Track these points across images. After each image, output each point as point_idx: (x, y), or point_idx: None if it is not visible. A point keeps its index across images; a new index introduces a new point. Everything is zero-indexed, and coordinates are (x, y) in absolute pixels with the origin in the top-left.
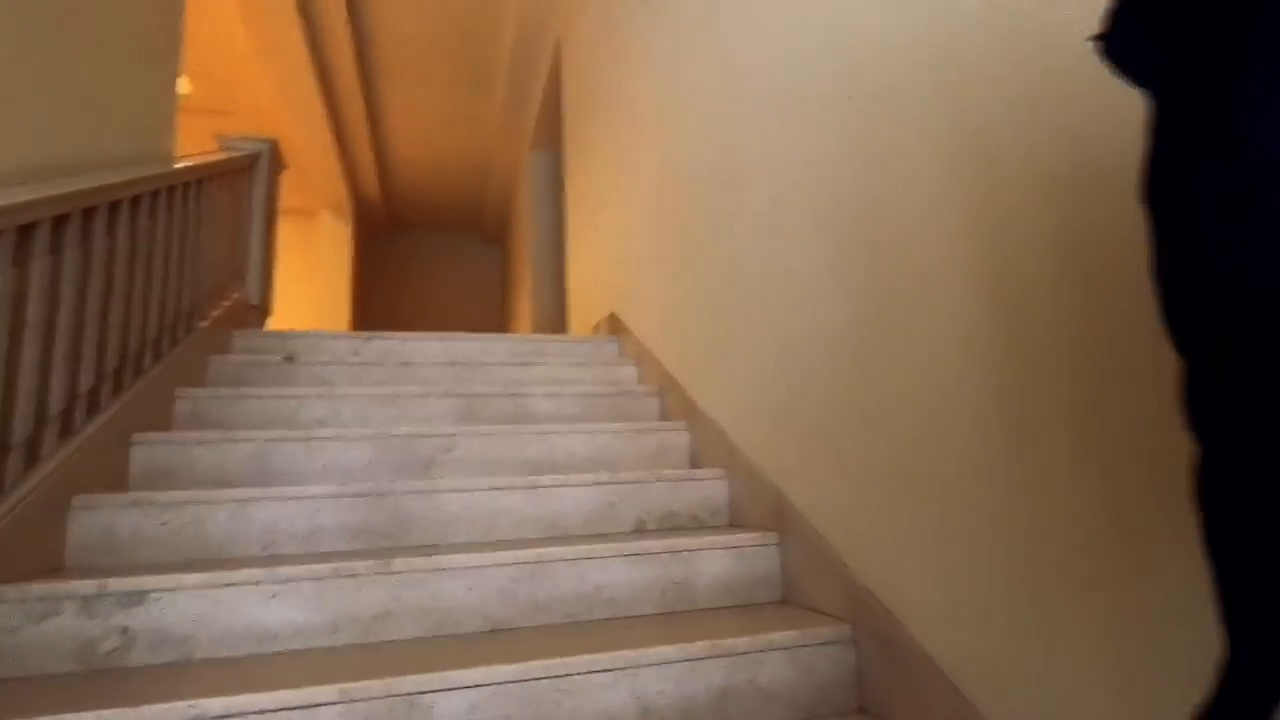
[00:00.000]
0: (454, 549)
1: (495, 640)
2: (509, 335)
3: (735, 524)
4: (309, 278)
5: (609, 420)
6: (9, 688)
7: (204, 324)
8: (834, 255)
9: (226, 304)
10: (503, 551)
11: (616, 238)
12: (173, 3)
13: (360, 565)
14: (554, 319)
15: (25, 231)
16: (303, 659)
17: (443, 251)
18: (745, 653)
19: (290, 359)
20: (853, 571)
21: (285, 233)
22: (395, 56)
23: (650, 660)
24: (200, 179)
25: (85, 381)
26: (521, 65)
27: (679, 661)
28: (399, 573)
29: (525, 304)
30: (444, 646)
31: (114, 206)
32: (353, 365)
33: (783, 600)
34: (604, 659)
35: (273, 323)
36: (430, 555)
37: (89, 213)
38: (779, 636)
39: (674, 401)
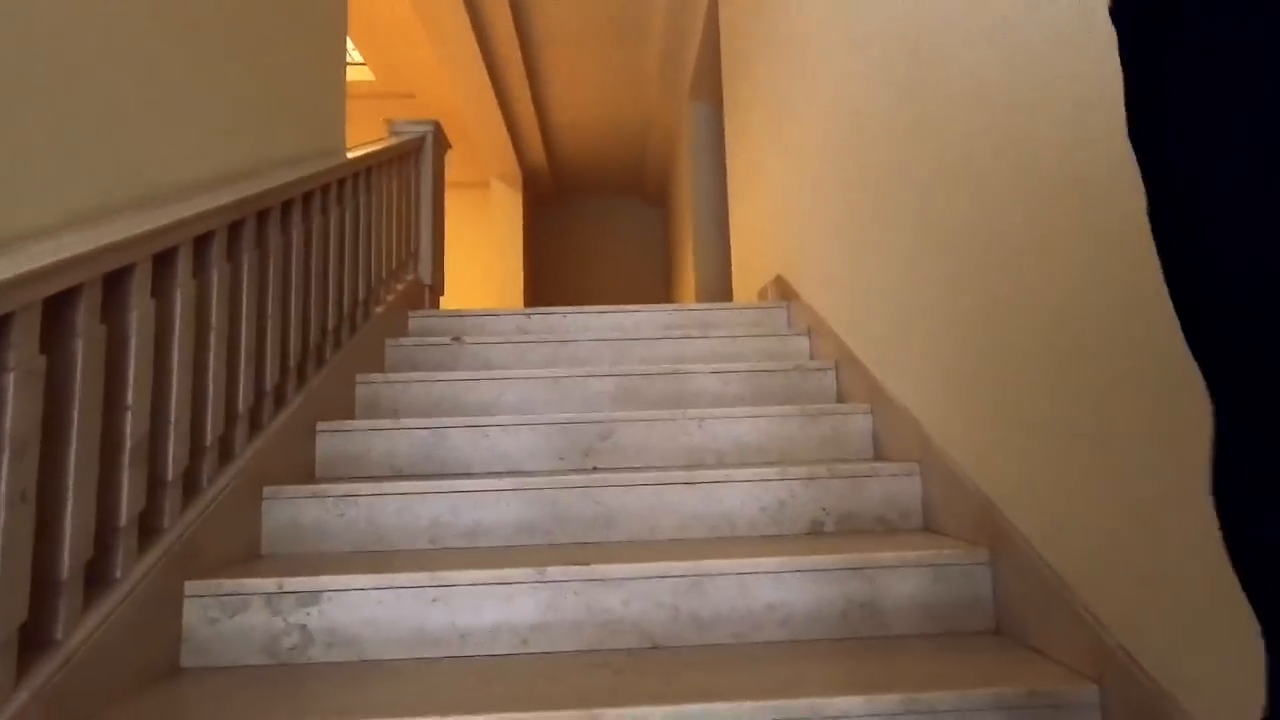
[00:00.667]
0: (613, 552)
1: (653, 662)
2: (671, 306)
3: (931, 529)
4: (485, 246)
5: (779, 401)
6: (217, 676)
7: (379, 309)
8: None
9: (401, 287)
10: (662, 562)
11: (781, 192)
12: (335, 1)
13: (515, 574)
14: (719, 284)
15: (202, 242)
16: (465, 668)
17: (606, 216)
18: (952, 710)
19: (458, 339)
20: (1098, 616)
21: (460, 205)
22: (551, 20)
23: (830, 714)
24: (369, 168)
25: (271, 378)
26: (677, 12)
27: (866, 718)
28: (554, 581)
29: (689, 268)
30: (599, 667)
31: (286, 206)
32: (517, 344)
33: (996, 631)
34: (770, 710)
35: (446, 301)
36: (587, 565)
37: (263, 215)
38: (1003, 693)
39: (853, 378)
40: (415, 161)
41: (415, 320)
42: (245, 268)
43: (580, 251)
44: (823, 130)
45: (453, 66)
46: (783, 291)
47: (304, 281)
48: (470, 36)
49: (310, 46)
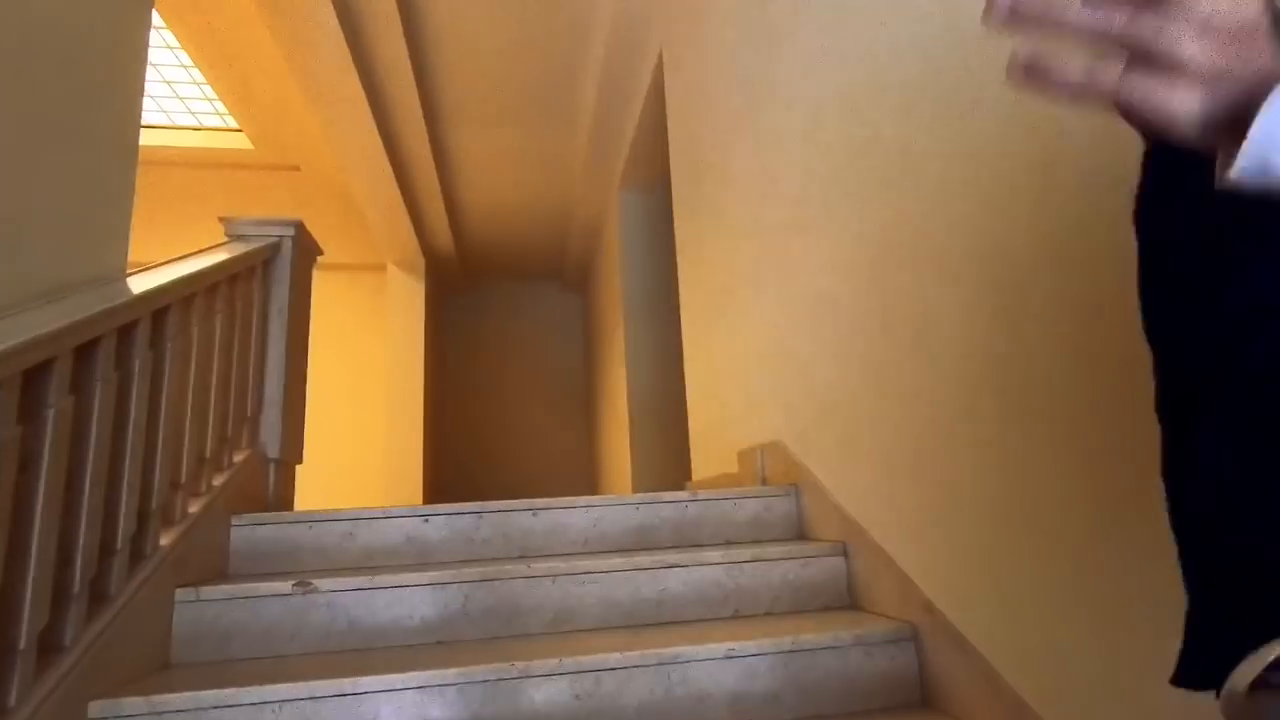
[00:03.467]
0: None
1: None
2: (635, 498)
3: None
4: (378, 340)
5: (840, 711)
6: None
7: (167, 539)
8: None
9: (221, 479)
10: None
11: (774, 330)
12: (122, 74)
13: None
14: (659, 402)
15: None
16: None
17: (520, 301)
18: None
19: (305, 585)
20: None
21: (350, 290)
22: (462, 96)
23: None
24: (172, 304)
25: None
26: (611, 94)
27: None
28: None
29: (617, 365)
30: None
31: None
32: (405, 589)
33: None
34: None
35: (319, 443)
36: None
37: None
38: None
39: (954, 660)
40: (263, 278)
41: (240, 533)
42: None
43: (492, 341)
44: (858, 250)
45: (341, 140)
46: (786, 469)
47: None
48: (363, 106)
49: (85, 128)
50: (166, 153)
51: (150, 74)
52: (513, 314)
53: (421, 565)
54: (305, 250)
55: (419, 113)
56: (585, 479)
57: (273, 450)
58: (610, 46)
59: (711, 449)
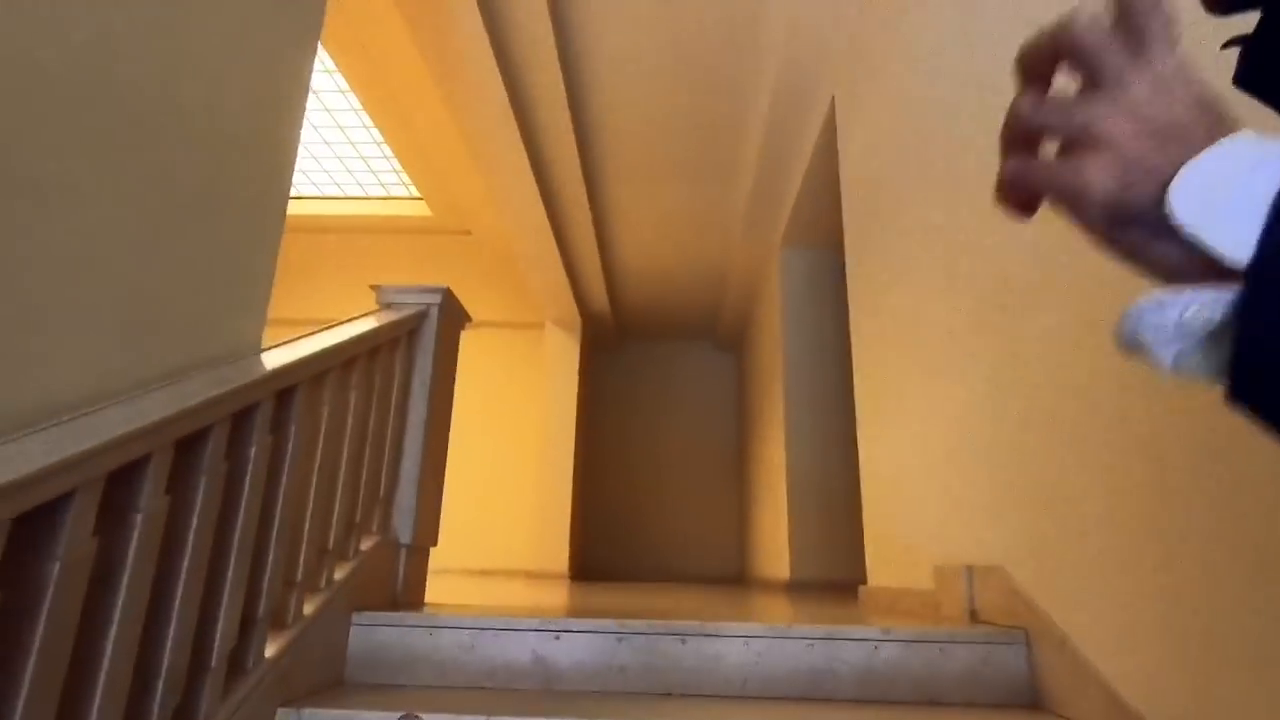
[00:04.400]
0: None
1: None
2: (795, 630)
3: None
4: (532, 396)
5: None
6: None
7: (278, 640)
8: None
9: (347, 566)
10: None
11: (1000, 409)
12: (270, 150)
13: None
14: (823, 482)
15: None
16: None
17: (673, 360)
18: None
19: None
20: None
21: (508, 348)
22: (621, 158)
23: None
24: (301, 382)
25: None
26: (775, 146)
27: None
28: None
29: (775, 441)
30: None
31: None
32: None
33: None
34: None
35: (458, 507)
36: None
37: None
38: None
39: None
40: (407, 347)
41: (359, 634)
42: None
43: (643, 401)
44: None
45: (505, 203)
46: (1008, 605)
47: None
48: (525, 170)
49: (227, 204)
50: (353, 220)
51: (342, 144)
52: (665, 373)
53: (547, 703)
54: (452, 316)
55: (579, 174)
56: (736, 556)
57: (405, 535)
58: (777, 95)
59: (894, 552)
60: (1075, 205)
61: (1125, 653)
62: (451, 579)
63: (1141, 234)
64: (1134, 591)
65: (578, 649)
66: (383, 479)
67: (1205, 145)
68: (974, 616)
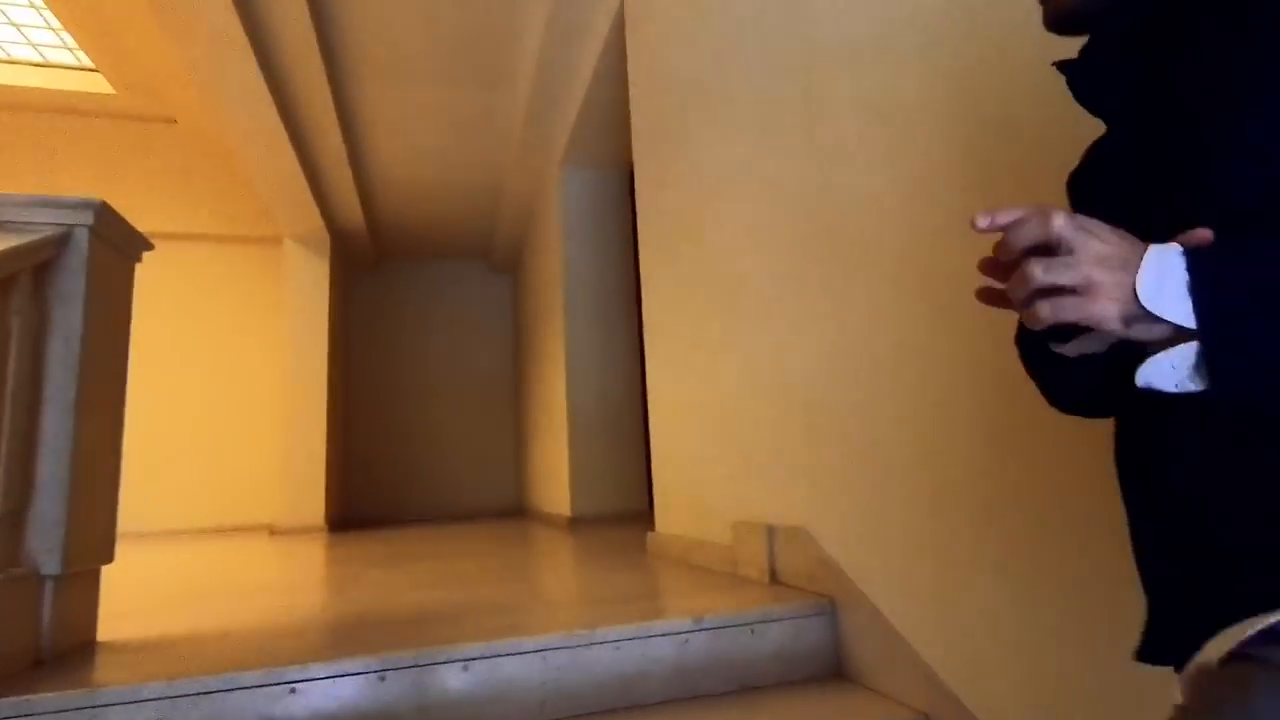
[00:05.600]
0: None
1: None
2: (598, 634)
3: None
4: (272, 324)
5: None
6: None
7: None
8: None
9: None
10: None
11: (811, 361)
12: None
13: None
14: (607, 414)
15: None
16: None
17: (441, 282)
18: None
19: None
20: None
21: (243, 262)
22: (372, 48)
23: None
24: None
25: None
26: (555, 50)
27: None
28: None
29: (555, 369)
30: None
31: None
32: None
33: None
34: None
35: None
36: None
37: None
38: None
39: None
40: (37, 289)
41: None
42: None
43: (409, 323)
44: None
45: (214, 88)
46: (811, 570)
47: None
48: (242, 46)
49: None
50: (6, 93)
51: None
52: (433, 295)
53: None
54: (117, 241)
55: (319, 62)
56: (514, 487)
57: (50, 562)
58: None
59: (684, 498)
60: (1101, 324)
61: (941, 630)
62: (167, 558)
63: (1141, 325)
64: (944, 561)
65: (328, 701)
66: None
67: (1138, 261)
68: (774, 577)
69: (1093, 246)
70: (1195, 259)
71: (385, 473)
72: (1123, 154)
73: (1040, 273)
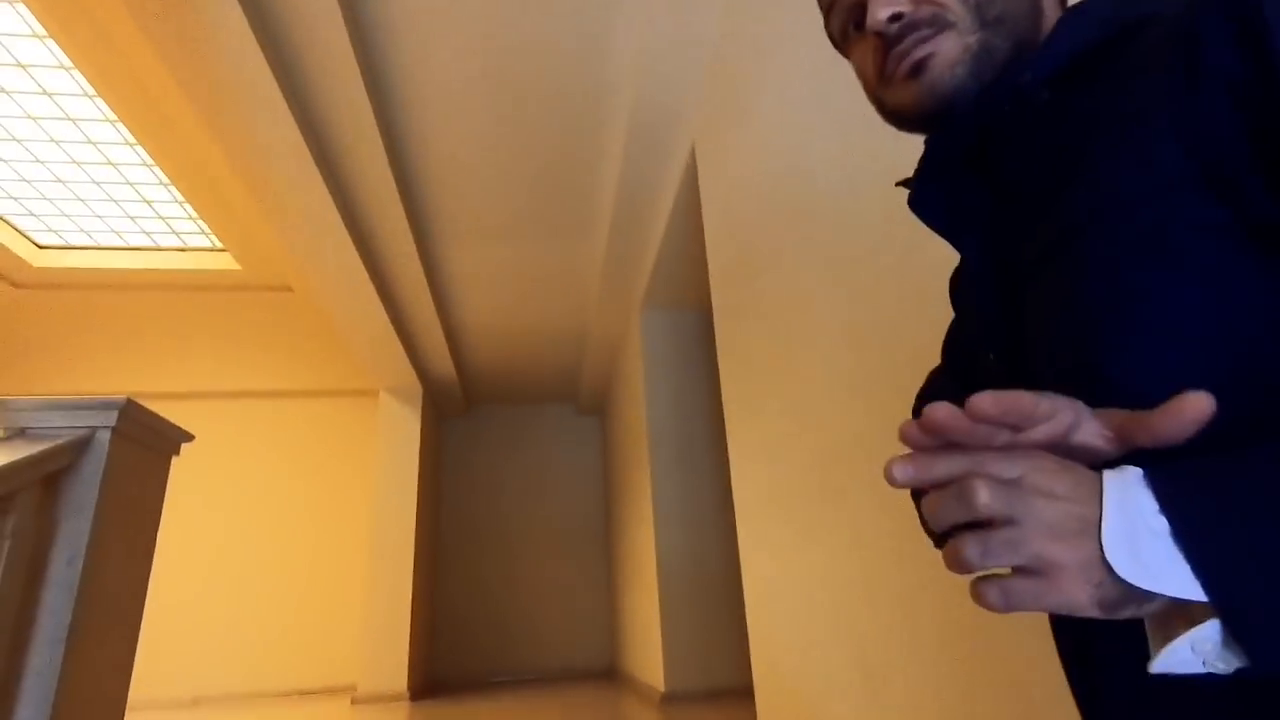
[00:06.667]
0: None
1: None
2: None
3: None
4: (366, 474)
5: None
6: None
7: None
8: None
9: None
10: None
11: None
12: None
13: None
14: (692, 552)
15: None
16: None
17: (530, 426)
18: None
19: None
20: None
21: (340, 415)
22: (455, 209)
23: None
24: None
25: None
26: (632, 198)
27: None
28: None
29: (644, 496)
30: None
31: None
32: None
33: None
34: None
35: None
36: None
37: None
38: None
39: None
40: (50, 501)
41: None
42: None
43: (497, 468)
44: None
45: (310, 261)
46: None
47: None
48: (335, 224)
49: None
50: (148, 276)
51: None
52: (521, 439)
53: None
54: (145, 443)
55: (404, 226)
56: (607, 645)
57: None
58: (631, 137)
59: (785, 699)
60: (1073, 613)
61: None
62: None
63: (1130, 607)
64: None
65: None
66: None
67: (1098, 508)
68: None
69: (1038, 511)
70: (1168, 492)
71: (473, 629)
72: (985, 293)
73: (977, 557)
